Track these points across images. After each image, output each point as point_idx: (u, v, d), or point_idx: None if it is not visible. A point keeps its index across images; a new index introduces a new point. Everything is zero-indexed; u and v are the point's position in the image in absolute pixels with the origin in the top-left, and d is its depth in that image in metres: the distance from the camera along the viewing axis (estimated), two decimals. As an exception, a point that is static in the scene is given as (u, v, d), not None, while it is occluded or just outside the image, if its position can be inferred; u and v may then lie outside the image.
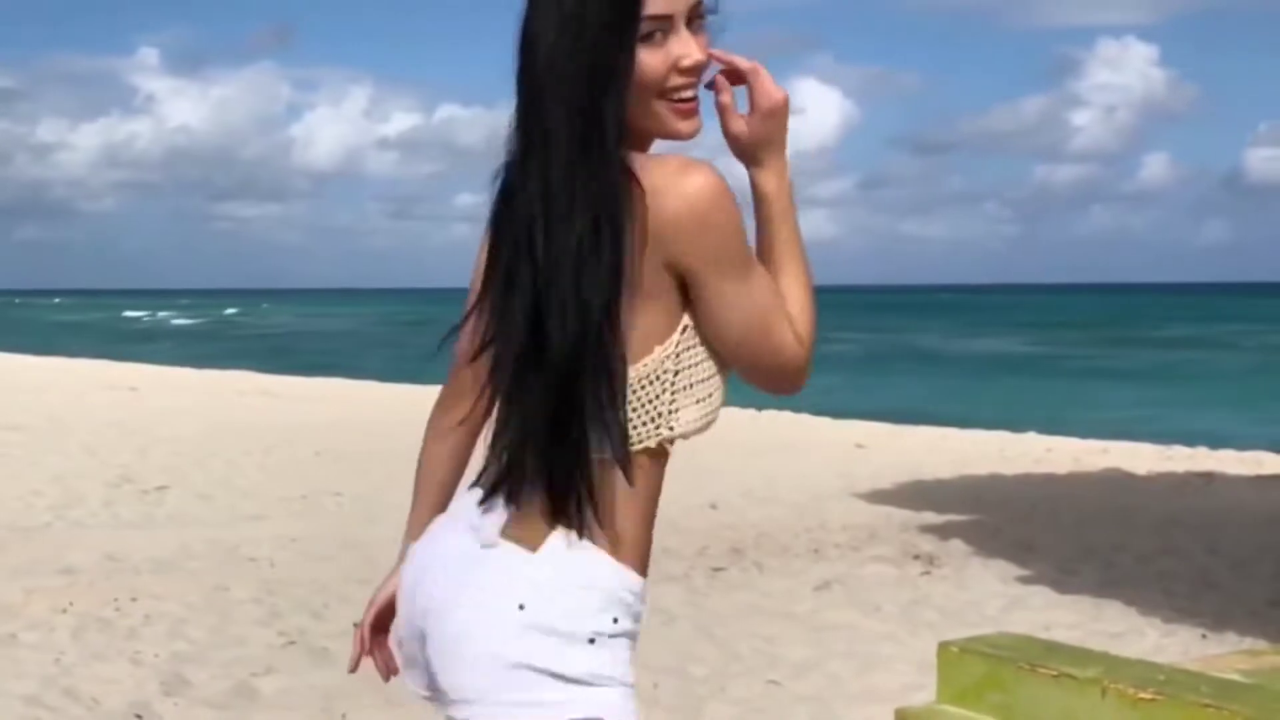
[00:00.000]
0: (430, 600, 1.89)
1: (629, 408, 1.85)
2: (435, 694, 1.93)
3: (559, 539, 1.83)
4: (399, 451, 14.30)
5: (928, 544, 8.96)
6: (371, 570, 7.97)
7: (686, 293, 1.87)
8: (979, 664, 4.27)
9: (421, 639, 1.91)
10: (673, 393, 1.87)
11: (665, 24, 1.85)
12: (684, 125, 1.89)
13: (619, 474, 1.84)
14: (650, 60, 1.85)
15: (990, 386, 33.87)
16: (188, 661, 6.11)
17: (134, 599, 7.21)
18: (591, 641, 1.81)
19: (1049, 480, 12.63)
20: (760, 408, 20.65)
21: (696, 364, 1.89)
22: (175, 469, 12.23)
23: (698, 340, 1.88)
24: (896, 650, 6.50)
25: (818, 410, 20.00)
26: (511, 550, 1.84)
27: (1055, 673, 4.03)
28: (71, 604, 7.08)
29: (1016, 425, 18.62)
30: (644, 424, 1.86)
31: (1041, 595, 7.71)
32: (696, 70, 1.88)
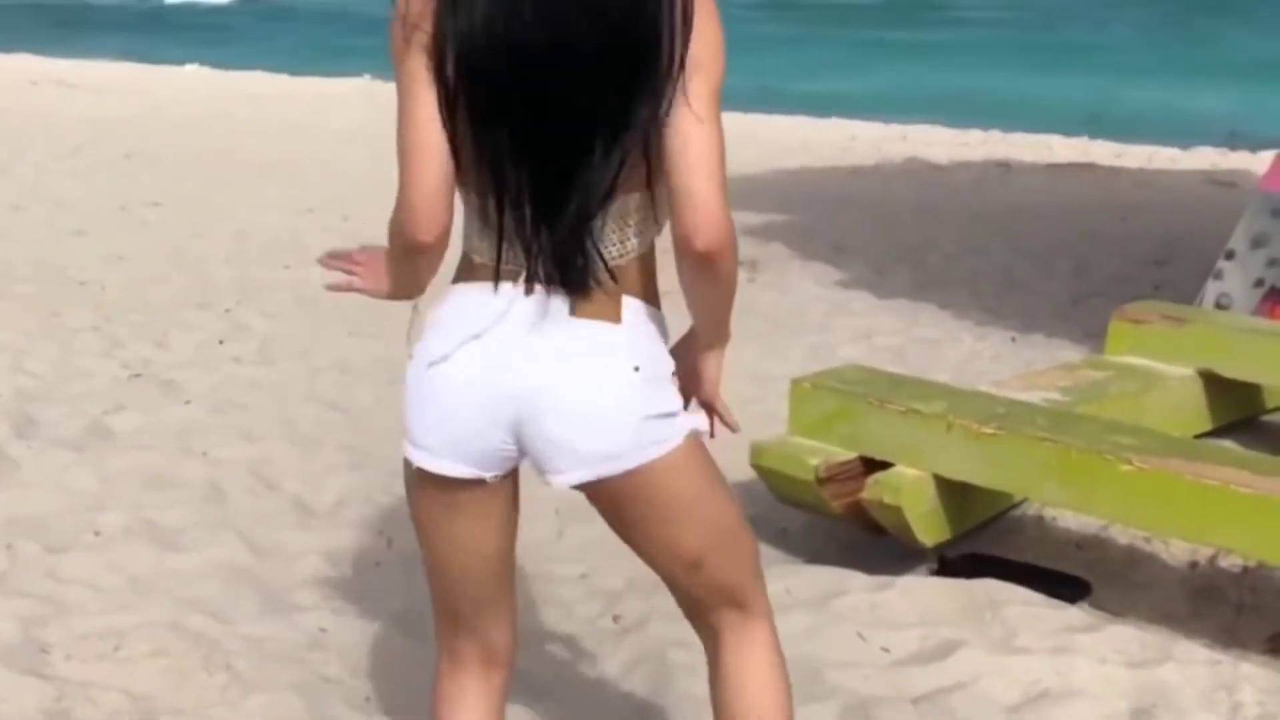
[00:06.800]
0: (534, 383, 2.23)
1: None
2: (496, 468, 2.32)
3: (630, 308, 2.26)
4: (216, 152, 13.67)
5: (750, 247, 9.21)
6: (207, 292, 7.92)
7: None
8: (829, 399, 4.59)
9: (512, 424, 2.25)
10: None
11: None
12: None
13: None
14: None
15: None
16: (34, 399, 6.05)
17: (-34, 328, 7.04)
18: (672, 377, 2.33)
19: (855, 174, 13.03)
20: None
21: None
22: (-22, 176, 11.73)
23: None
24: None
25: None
26: (601, 326, 2.24)
27: (903, 408, 4.38)
28: (-102, 336, 6.88)
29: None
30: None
31: (861, 300, 8.09)
32: None
